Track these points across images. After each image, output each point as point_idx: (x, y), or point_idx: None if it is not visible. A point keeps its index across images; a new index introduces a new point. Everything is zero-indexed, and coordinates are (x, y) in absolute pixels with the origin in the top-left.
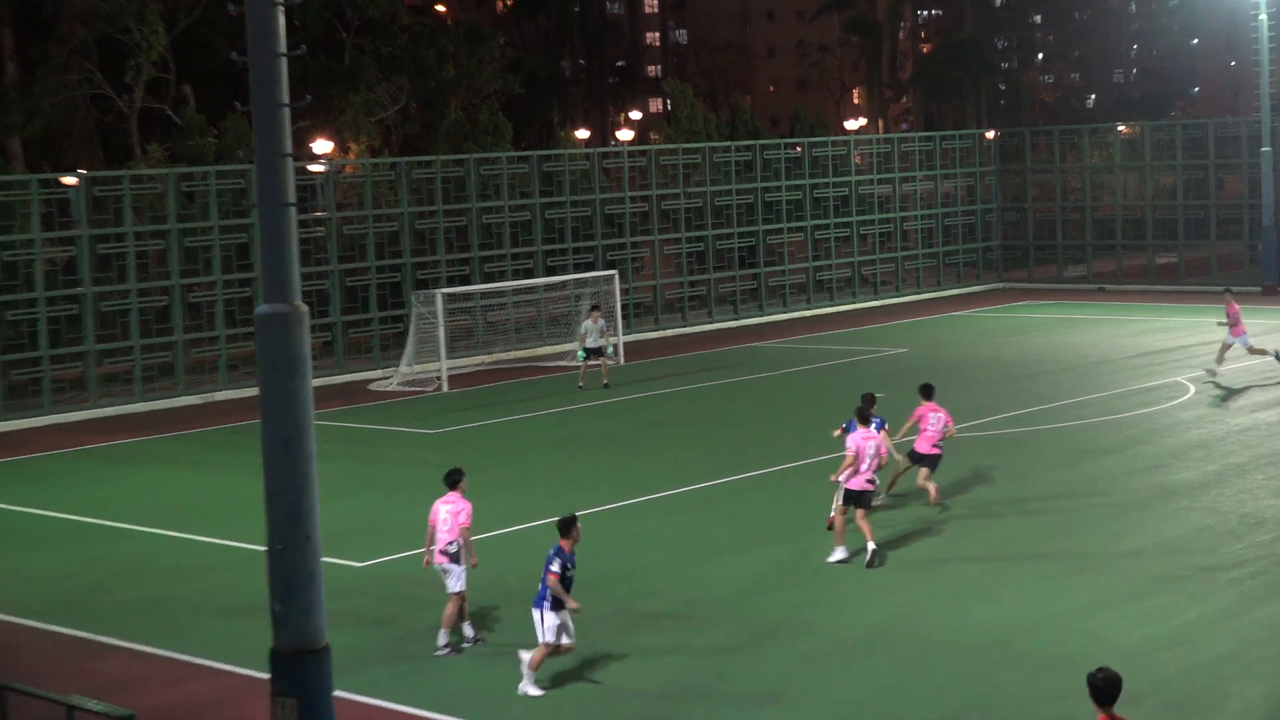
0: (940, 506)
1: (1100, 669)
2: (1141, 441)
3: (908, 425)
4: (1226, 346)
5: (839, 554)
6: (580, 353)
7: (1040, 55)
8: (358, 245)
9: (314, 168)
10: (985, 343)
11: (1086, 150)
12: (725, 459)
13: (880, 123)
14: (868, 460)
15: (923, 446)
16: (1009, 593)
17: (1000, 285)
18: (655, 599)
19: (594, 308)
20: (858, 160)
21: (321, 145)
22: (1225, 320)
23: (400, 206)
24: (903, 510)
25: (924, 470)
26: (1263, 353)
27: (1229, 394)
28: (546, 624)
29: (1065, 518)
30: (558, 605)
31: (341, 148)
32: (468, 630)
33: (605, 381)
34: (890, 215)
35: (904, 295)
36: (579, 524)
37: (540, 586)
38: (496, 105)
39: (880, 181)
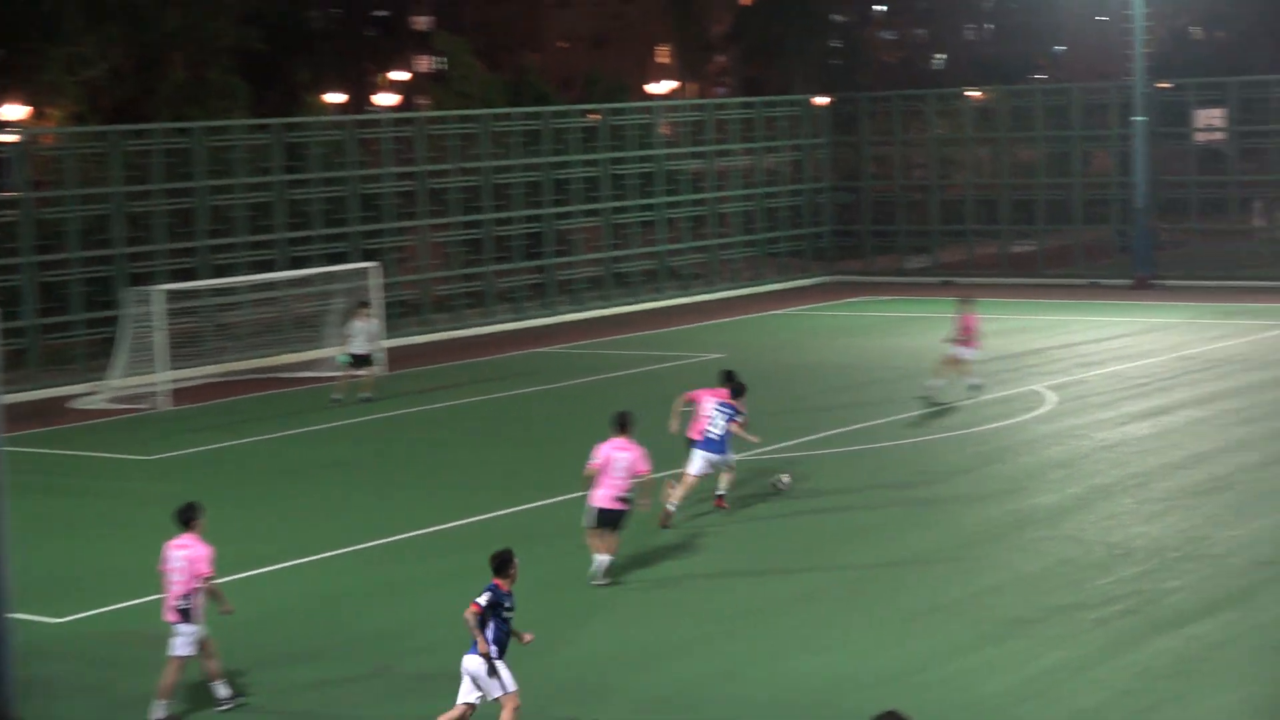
0: (724, 511)
1: (889, 712)
2: (994, 460)
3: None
4: (954, 360)
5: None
6: (342, 357)
7: (880, 8)
8: (57, 232)
9: (2, 137)
10: (814, 346)
11: (932, 119)
12: (503, 488)
13: (692, 86)
14: (617, 474)
15: (694, 433)
16: (842, 642)
17: (831, 278)
18: (421, 658)
19: (363, 304)
20: (665, 131)
21: (12, 110)
22: (958, 335)
23: (111, 185)
24: (705, 544)
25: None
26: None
27: (944, 409)
28: (481, 677)
29: (906, 552)
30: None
31: (38, 113)
32: (221, 690)
33: (367, 394)
34: (703, 196)
35: (719, 291)
36: (516, 561)
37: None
38: (230, 63)
39: (692, 156)
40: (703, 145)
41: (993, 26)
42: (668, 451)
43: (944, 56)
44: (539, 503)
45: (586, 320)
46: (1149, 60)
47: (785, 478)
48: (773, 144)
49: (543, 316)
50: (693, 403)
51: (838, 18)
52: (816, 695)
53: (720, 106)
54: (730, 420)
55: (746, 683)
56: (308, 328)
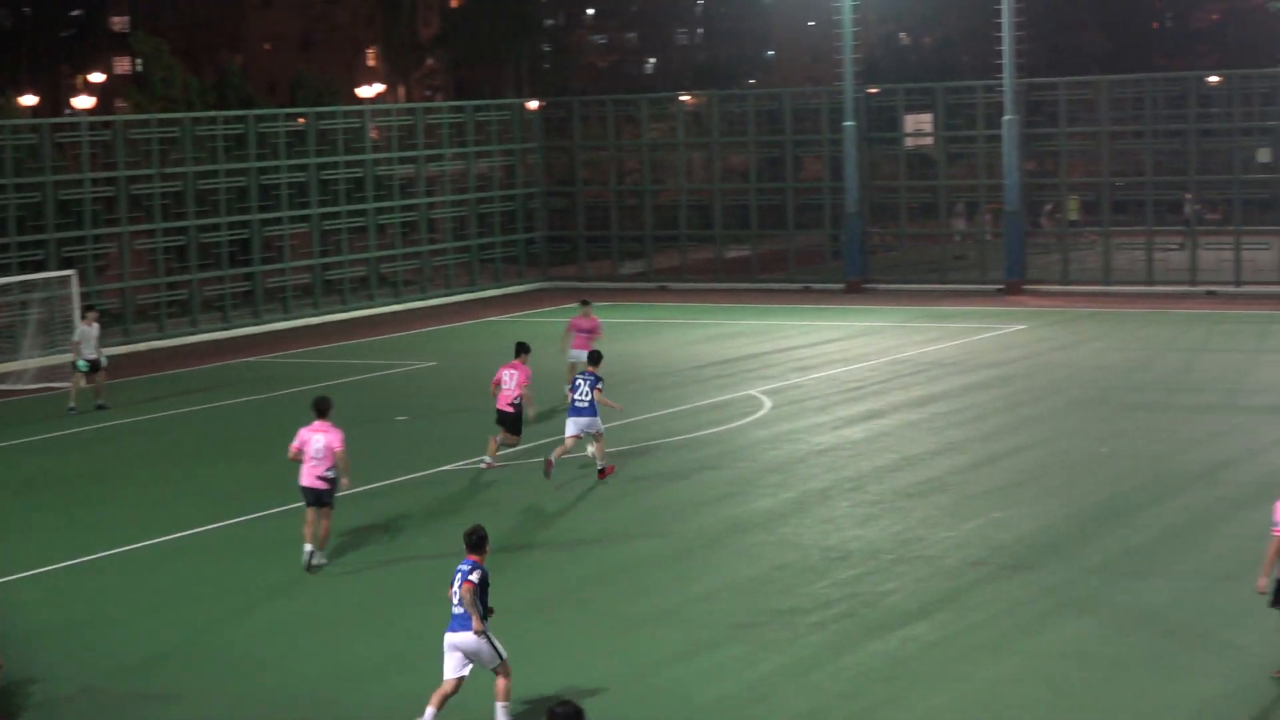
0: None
1: (561, 702)
2: (710, 466)
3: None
4: (572, 366)
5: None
6: (80, 364)
7: (591, 11)
8: None
9: None
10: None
11: (645, 124)
12: (205, 504)
13: (402, 90)
14: (316, 455)
15: (501, 404)
16: (559, 652)
17: (546, 284)
18: (136, 678)
19: (89, 308)
20: (374, 135)
21: None
22: (573, 338)
23: None
24: (424, 562)
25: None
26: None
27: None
28: (482, 652)
29: (620, 559)
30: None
31: None
32: None
33: (101, 401)
34: (415, 202)
35: (432, 298)
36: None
37: (458, 608)
38: None
39: (402, 161)
40: (413, 150)
41: (703, 31)
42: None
43: (655, 61)
44: (251, 515)
45: (296, 329)
46: (858, 65)
47: (592, 449)
48: (485, 148)
49: (251, 325)
50: (498, 385)
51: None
52: (536, 705)
53: (430, 110)
54: (594, 388)
55: (473, 694)
56: (3, 338)
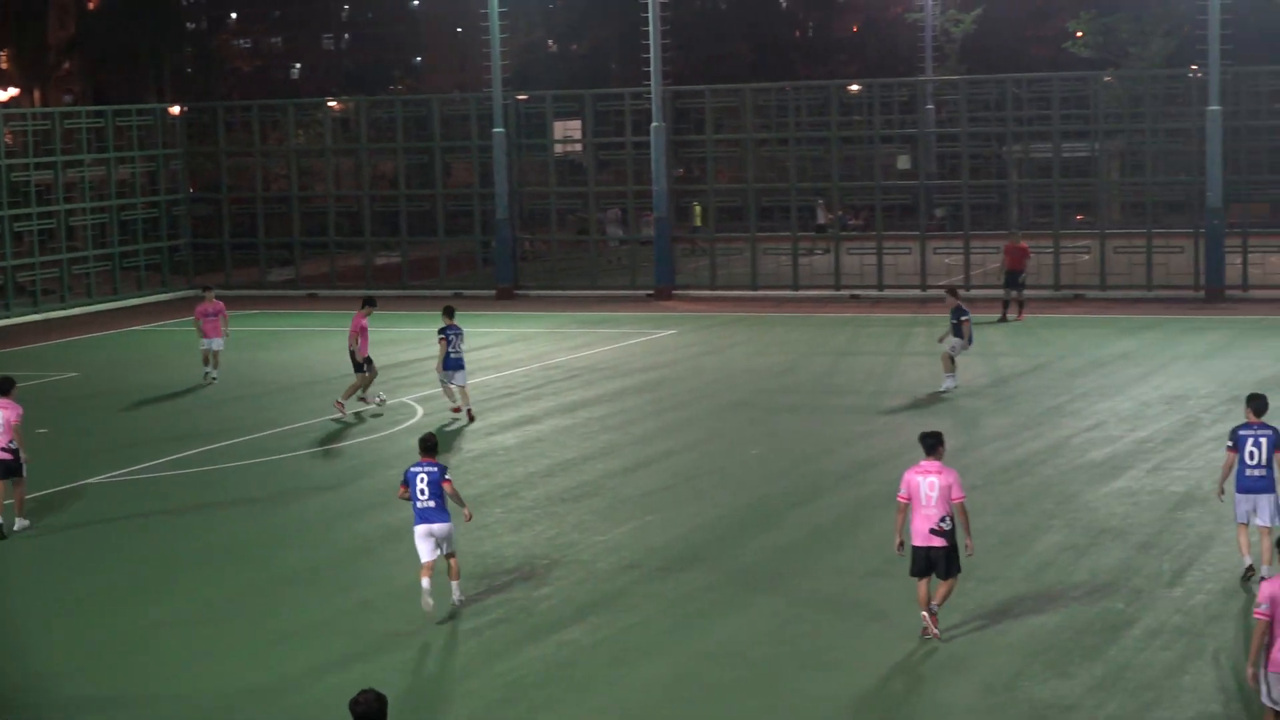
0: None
1: (363, 691)
2: (363, 475)
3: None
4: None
5: None
6: None
7: (234, 15)
8: None
9: None
10: (175, 363)
11: (292, 130)
12: None
13: (37, 94)
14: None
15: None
16: (205, 664)
17: (191, 292)
18: None
19: None
20: (9, 140)
21: None
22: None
23: None
24: (76, 574)
25: None
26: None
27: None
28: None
29: (273, 570)
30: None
31: None
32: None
33: None
34: (53, 208)
35: (72, 307)
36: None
37: (430, 503)
38: None
39: (39, 166)
40: (50, 155)
41: (350, 37)
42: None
43: (301, 66)
44: None
45: None
46: (507, 72)
47: (381, 396)
48: (126, 154)
49: None
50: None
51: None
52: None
53: (69, 115)
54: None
55: (124, 706)
56: None
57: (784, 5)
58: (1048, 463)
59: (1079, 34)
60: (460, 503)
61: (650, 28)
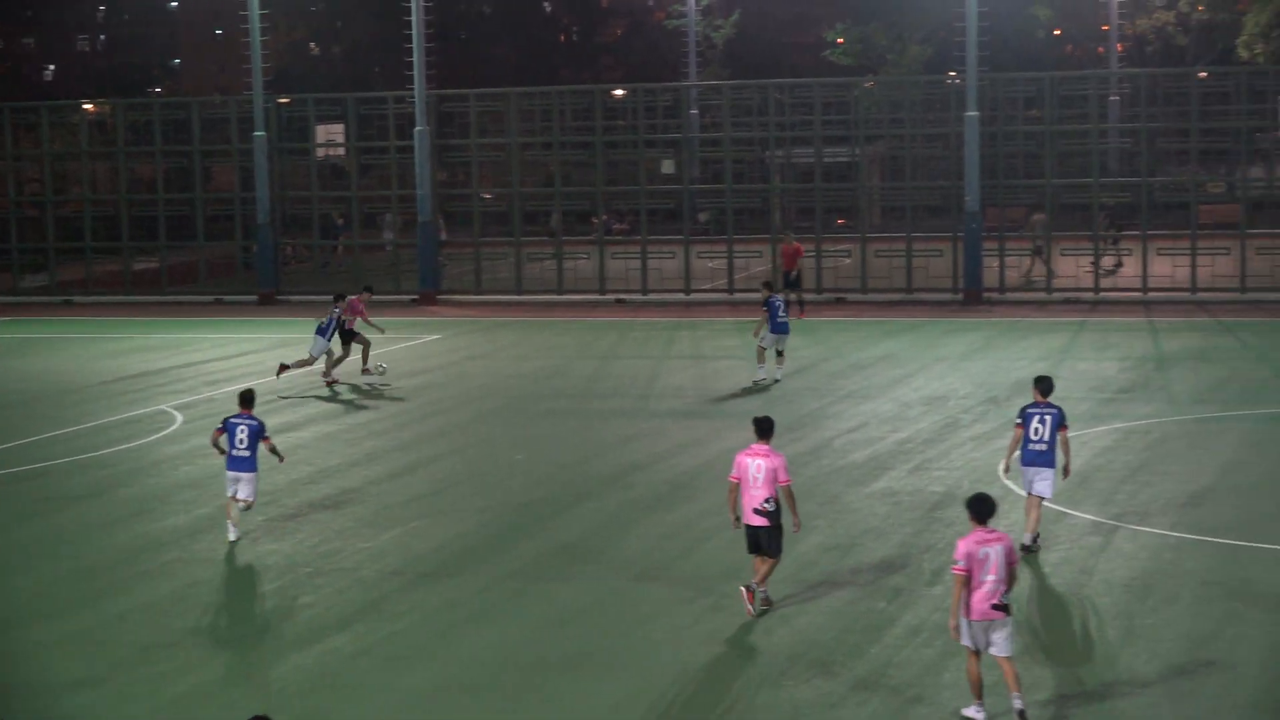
0: None
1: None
2: (121, 483)
3: None
4: None
5: None
6: None
7: None
8: None
9: None
10: None
11: (46, 133)
12: None
13: None
14: None
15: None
16: None
17: None
18: None
19: None
20: None
21: None
22: None
23: None
24: None
25: None
26: None
27: None
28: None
29: (28, 582)
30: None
31: None
32: None
33: None
34: None
35: None
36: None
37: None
38: None
39: None
40: None
41: (105, 38)
42: None
43: (54, 67)
44: None
45: None
46: (268, 75)
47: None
48: None
49: None
50: None
51: None
52: None
53: None
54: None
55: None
56: None
57: (548, 9)
58: (810, 464)
59: (839, 40)
60: (278, 455)
61: (414, 30)
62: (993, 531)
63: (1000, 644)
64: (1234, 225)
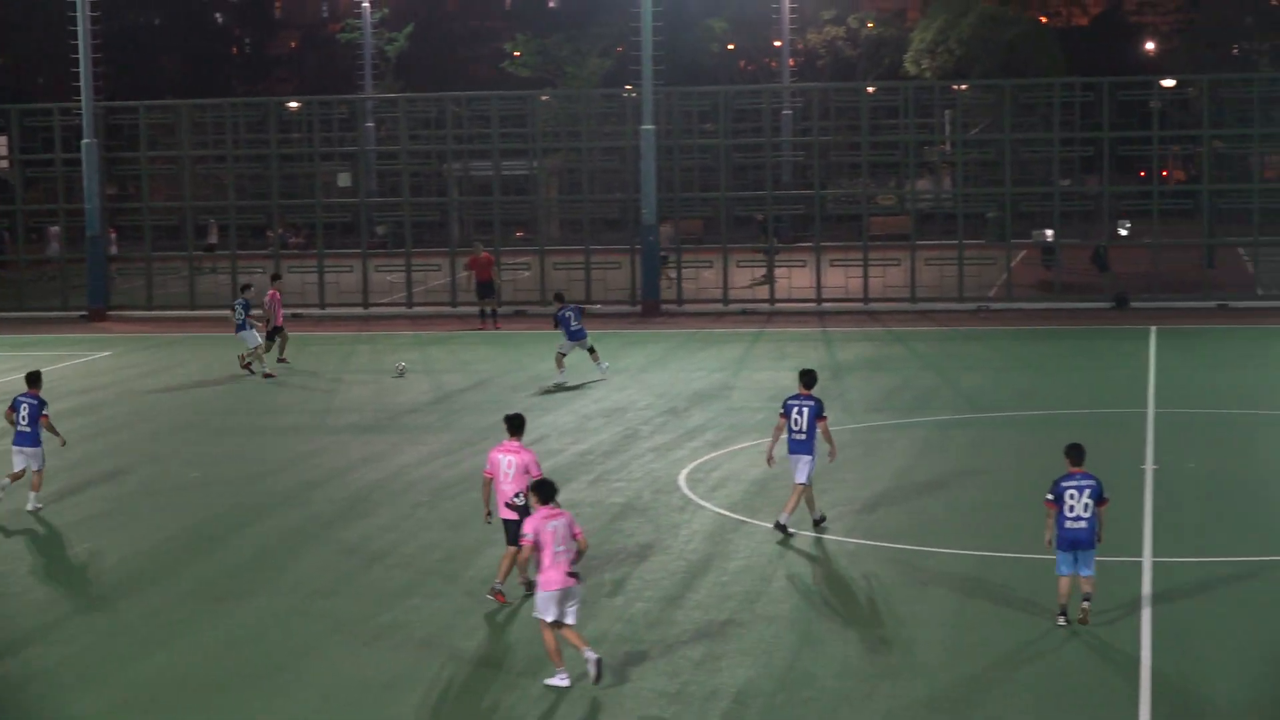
0: None
1: None
2: None
3: None
4: None
5: None
6: None
7: None
8: None
9: None
10: None
11: None
12: None
13: None
14: None
15: None
16: None
17: None
18: None
19: None
20: None
21: None
22: None
23: None
24: None
25: None
26: None
27: None
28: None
29: None
30: None
31: None
32: None
33: None
34: None
35: None
36: None
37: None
38: None
39: None
40: None
41: None
42: None
43: None
44: None
45: None
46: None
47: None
48: None
49: None
50: None
51: None
52: None
53: None
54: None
55: None
56: None
57: (220, 21)
58: None
59: (516, 54)
60: (55, 433)
61: (80, 41)
62: (557, 509)
63: (572, 614)
64: (905, 237)
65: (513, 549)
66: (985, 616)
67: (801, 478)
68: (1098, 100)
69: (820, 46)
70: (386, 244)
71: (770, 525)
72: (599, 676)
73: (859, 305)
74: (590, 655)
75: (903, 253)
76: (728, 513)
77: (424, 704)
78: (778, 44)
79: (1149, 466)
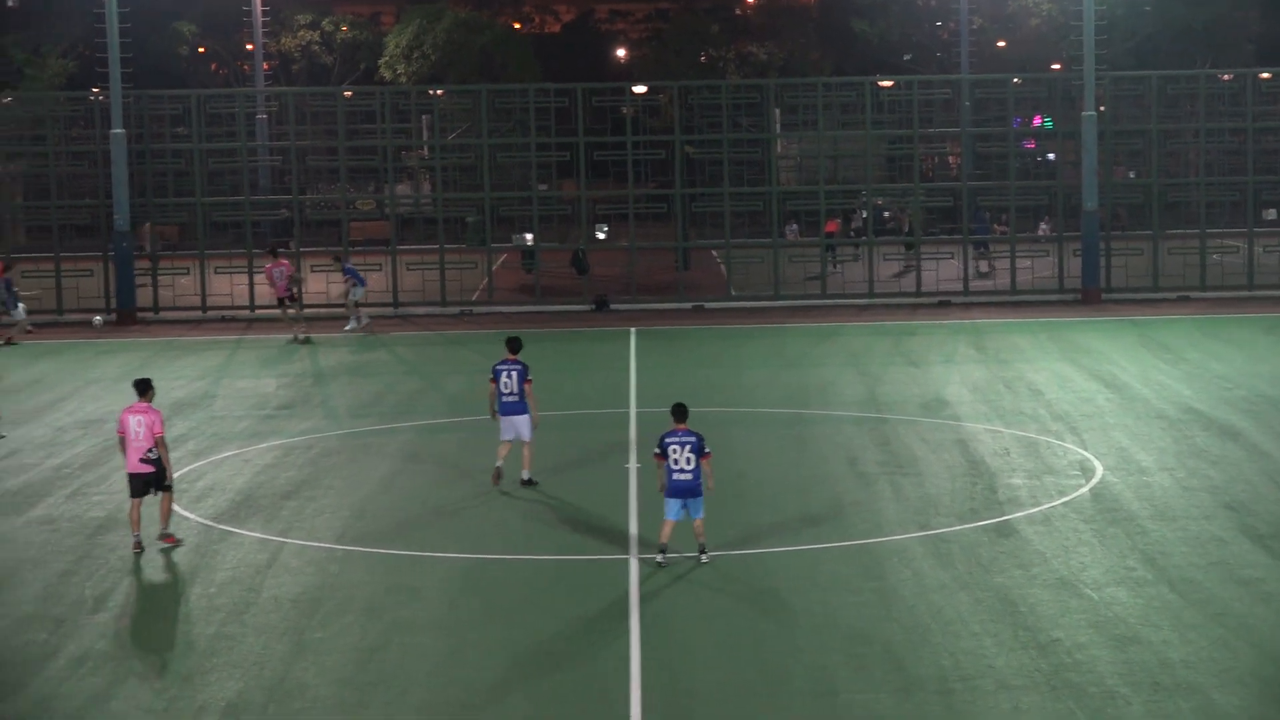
0: None
1: None
2: None
3: None
4: None
5: None
6: None
7: None
8: None
9: None
10: None
11: None
12: None
13: None
14: None
15: None
16: None
17: None
18: None
19: None
20: None
21: None
22: None
23: None
24: None
25: None
26: None
27: None
28: None
29: None
30: None
31: None
32: None
33: None
34: None
35: None
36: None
37: None
38: None
39: None
40: None
41: None
42: None
43: None
44: None
45: None
46: None
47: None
48: None
49: None
50: None
51: None
52: None
53: None
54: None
55: None
56: None
57: None
58: None
59: None
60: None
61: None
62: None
63: None
64: (386, 241)
65: (137, 500)
66: (477, 618)
67: (526, 435)
68: (572, 106)
69: (295, 50)
70: None
71: (256, 536)
72: None
73: (340, 310)
74: None
75: (384, 258)
76: (213, 523)
77: None
78: (250, 47)
79: (633, 465)
